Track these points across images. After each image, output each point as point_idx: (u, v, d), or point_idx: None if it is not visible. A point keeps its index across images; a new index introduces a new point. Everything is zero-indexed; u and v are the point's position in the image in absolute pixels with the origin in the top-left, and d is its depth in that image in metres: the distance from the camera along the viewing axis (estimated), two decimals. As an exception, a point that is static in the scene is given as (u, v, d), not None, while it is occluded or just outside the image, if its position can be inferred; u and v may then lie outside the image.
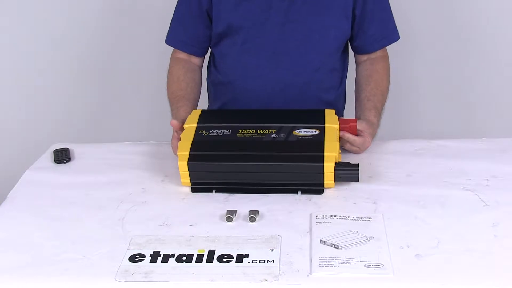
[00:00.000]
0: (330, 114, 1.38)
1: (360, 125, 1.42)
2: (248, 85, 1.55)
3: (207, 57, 1.69)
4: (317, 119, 1.36)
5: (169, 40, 1.64)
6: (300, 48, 1.53)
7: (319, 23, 1.51)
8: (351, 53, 1.67)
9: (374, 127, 1.48)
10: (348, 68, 1.68)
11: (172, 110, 1.54)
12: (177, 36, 1.62)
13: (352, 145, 1.41)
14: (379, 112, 1.53)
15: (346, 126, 1.38)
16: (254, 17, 1.52)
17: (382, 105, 1.56)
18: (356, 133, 1.40)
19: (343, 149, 1.40)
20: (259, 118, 1.38)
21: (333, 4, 1.51)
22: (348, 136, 1.39)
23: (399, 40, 1.63)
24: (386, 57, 1.63)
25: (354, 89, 1.62)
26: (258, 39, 1.53)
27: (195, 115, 1.40)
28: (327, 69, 1.57)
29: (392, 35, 1.61)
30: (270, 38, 1.53)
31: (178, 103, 1.53)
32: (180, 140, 1.33)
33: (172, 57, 1.65)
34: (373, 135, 1.46)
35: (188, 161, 1.28)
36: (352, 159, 1.34)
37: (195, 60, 1.65)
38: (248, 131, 1.33)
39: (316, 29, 1.52)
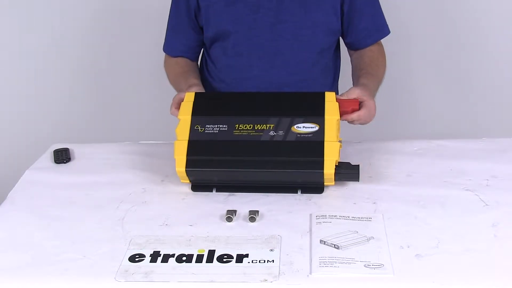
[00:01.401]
0: (330, 100, 1.31)
1: (355, 92, 1.37)
2: (243, 88, 1.55)
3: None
4: (317, 107, 1.30)
5: (165, 49, 1.67)
6: (291, 46, 1.53)
7: (309, 21, 1.52)
8: (343, 53, 1.66)
9: (368, 88, 1.43)
10: (340, 68, 1.68)
11: (179, 84, 1.54)
12: (172, 45, 1.65)
13: (359, 121, 1.37)
14: (373, 76, 1.50)
15: (347, 110, 1.33)
16: (242, 20, 1.52)
17: (378, 73, 1.54)
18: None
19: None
20: (256, 107, 1.33)
21: (321, 1, 1.52)
22: (352, 117, 1.34)
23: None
24: (379, 44, 1.63)
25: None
26: (249, 41, 1.53)
27: (189, 101, 1.34)
28: (320, 67, 1.58)
29: (382, 29, 1.61)
30: (261, 39, 1.53)
31: (185, 73, 1.56)
32: (179, 106, 1.34)
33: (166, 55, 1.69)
34: (371, 96, 1.41)
35: (185, 168, 1.27)
36: (352, 159, 1.33)
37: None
38: (245, 126, 1.29)
39: (306, 27, 1.52)
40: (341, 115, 1.31)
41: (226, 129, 1.29)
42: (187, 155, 1.28)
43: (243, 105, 1.34)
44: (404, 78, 2.24)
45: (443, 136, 1.54)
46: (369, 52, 1.60)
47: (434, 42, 2.24)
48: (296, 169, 1.25)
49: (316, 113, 1.29)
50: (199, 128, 1.30)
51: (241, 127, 1.29)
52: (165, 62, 1.67)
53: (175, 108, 1.37)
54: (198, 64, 1.69)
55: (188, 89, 1.43)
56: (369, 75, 1.51)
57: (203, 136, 1.29)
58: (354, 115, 1.35)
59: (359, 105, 1.36)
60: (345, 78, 1.66)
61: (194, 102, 1.34)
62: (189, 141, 1.29)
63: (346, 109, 1.34)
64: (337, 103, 1.31)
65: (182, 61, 1.64)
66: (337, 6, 1.53)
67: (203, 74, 1.68)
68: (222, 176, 1.29)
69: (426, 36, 2.24)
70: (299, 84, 1.54)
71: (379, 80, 1.54)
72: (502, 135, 1.54)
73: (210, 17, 1.55)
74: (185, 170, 1.27)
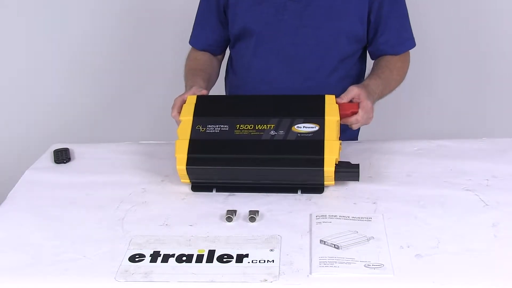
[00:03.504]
0: (330, 102, 1.32)
1: (353, 91, 1.36)
2: (260, 89, 1.55)
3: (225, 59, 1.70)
4: (317, 109, 1.31)
5: (192, 41, 1.67)
6: (312, 52, 1.52)
7: (333, 28, 1.50)
8: (369, 59, 1.64)
9: (368, 88, 1.41)
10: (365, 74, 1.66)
11: (187, 80, 1.53)
12: (198, 38, 1.65)
13: (357, 125, 1.37)
14: (380, 79, 1.48)
15: (347, 113, 1.34)
16: (267, 20, 1.52)
17: (388, 77, 1.51)
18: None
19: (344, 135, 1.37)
20: (257, 109, 1.34)
21: (348, 9, 1.50)
22: (351, 120, 1.35)
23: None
24: (406, 55, 1.60)
25: None
26: (271, 42, 1.53)
27: (191, 104, 1.35)
28: (340, 75, 1.55)
29: (405, 43, 1.57)
30: (283, 42, 1.52)
31: (195, 72, 1.55)
32: (181, 108, 1.34)
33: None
34: (368, 94, 1.38)
35: (186, 165, 1.27)
36: (352, 159, 1.34)
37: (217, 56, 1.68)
38: (246, 127, 1.30)
39: (329, 34, 1.51)
40: (341, 118, 1.32)
41: (227, 129, 1.30)
42: (188, 153, 1.28)
43: (244, 107, 1.36)
44: (404, 79, 2.24)
45: (443, 136, 1.54)
46: (388, 56, 1.56)
47: (434, 43, 2.24)
48: (296, 166, 1.25)
49: (316, 114, 1.30)
50: (201, 128, 1.31)
51: (242, 127, 1.30)
52: (188, 54, 1.66)
53: (177, 112, 1.36)
54: (220, 61, 1.69)
55: (189, 89, 1.42)
56: (376, 77, 1.49)
57: (204, 136, 1.30)
58: (353, 119, 1.35)
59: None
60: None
61: (196, 105, 1.35)
62: (190, 140, 1.29)
63: (346, 112, 1.34)
64: (337, 105, 1.32)
65: (202, 58, 1.63)
66: (364, 15, 1.51)
67: (228, 69, 1.69)
68: (223, 175, 1.29)
69: (426, 37, 2.23)
70: (316, 91, 1.47)
71: (387, 84, 1.51)
72: (502, 135, 1.54)
73: (236, 14, 1.55)
74: (186, 168, 1.27)
